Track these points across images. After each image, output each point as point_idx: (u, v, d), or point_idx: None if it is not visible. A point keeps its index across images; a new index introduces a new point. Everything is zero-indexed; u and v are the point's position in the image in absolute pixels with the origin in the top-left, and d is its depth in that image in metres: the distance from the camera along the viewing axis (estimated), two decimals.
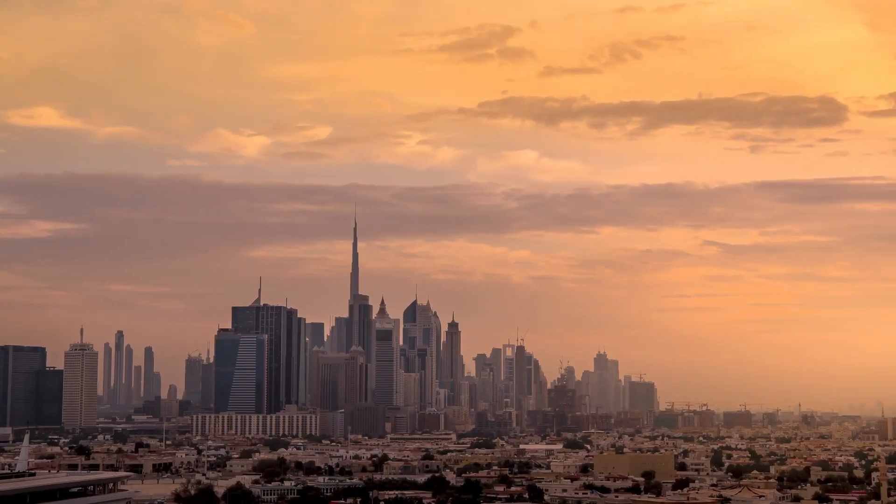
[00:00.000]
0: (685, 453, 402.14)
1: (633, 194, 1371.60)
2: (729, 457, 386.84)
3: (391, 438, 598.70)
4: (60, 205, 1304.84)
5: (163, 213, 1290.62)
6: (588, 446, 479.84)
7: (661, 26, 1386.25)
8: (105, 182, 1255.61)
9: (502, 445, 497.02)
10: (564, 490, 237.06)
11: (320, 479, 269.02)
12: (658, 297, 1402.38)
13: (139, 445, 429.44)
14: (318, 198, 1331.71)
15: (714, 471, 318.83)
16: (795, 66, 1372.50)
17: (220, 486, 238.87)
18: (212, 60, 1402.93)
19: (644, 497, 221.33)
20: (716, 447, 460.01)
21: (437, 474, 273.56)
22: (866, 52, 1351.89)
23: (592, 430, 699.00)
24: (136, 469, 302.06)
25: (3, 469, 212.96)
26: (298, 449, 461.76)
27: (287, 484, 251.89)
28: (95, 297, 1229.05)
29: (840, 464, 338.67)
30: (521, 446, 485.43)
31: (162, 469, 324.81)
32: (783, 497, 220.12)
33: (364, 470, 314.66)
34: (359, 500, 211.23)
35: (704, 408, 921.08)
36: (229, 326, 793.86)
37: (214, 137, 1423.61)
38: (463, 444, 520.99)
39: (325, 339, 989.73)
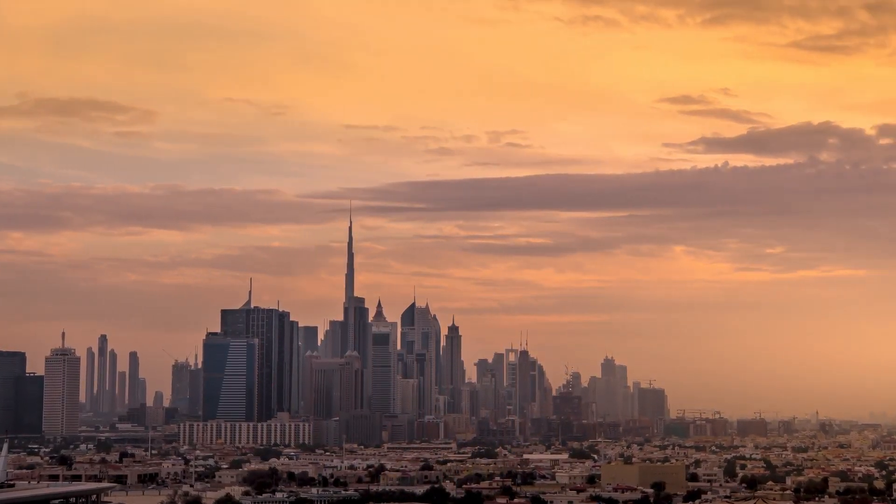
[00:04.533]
0: (697, 463, 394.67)
1: None
2: (743, 467, 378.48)
3: (388, 448, 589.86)
4: None
5: None
6: (595, 456, 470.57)
7: None
8: None
9: (505, 455, 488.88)
10: (570, 502, 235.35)
11: (314, 490, 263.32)
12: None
13: (123, 455, 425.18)
14: None
15: (727, 482, 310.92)
16: None
17: (209, 498, 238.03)
18: None
19: None
20: (729, 457, 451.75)
21: (436, 485, 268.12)
22: None
23: (599, 439, 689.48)
24: (121, 480, 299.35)
25: None
26: (291, 459, 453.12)
27: (279, 496, 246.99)
28: None
29: (860, 474, 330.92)
30: (525, 456, 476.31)
31: (147, 480, 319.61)
32: None
33: (360, 481, 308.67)
34: None
35: (717, 415, 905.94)
36: (218, 330, 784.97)
37: None
38: (463, 453, 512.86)
39: (319, 343, 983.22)
